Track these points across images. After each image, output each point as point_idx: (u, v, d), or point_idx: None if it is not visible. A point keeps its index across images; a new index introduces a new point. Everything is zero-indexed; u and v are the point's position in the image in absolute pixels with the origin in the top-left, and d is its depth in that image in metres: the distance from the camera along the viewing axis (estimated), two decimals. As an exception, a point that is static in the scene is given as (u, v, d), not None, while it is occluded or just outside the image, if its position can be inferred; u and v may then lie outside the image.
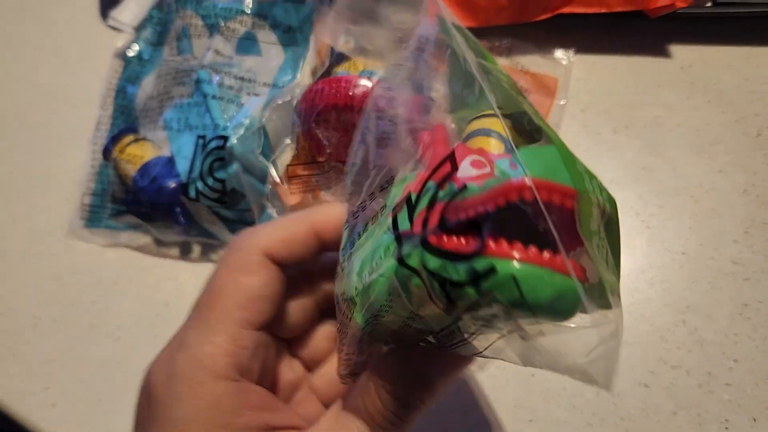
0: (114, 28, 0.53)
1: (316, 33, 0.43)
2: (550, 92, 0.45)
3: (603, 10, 0.44)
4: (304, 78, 0.45)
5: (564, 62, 0.46)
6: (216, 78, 0.43)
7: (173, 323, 0.42)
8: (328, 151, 0.41)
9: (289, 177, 0.42)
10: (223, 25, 0.45)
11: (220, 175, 0.40)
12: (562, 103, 0.45)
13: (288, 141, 0.42)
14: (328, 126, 0.40)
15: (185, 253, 0.45)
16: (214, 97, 0.42)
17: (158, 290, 0.44)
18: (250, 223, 0.42)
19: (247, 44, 0.46)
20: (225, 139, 0.41)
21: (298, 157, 0.43)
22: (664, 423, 0.35)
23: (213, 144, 0.41)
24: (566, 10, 0.45)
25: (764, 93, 0.44)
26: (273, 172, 0.41)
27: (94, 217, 0.45)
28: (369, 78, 0.40)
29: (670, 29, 0.47)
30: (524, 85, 0.45)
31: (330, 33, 0.44)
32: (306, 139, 0.42)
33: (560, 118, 0.45)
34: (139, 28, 0.51)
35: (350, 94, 0.39)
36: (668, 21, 0.45)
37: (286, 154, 0.44)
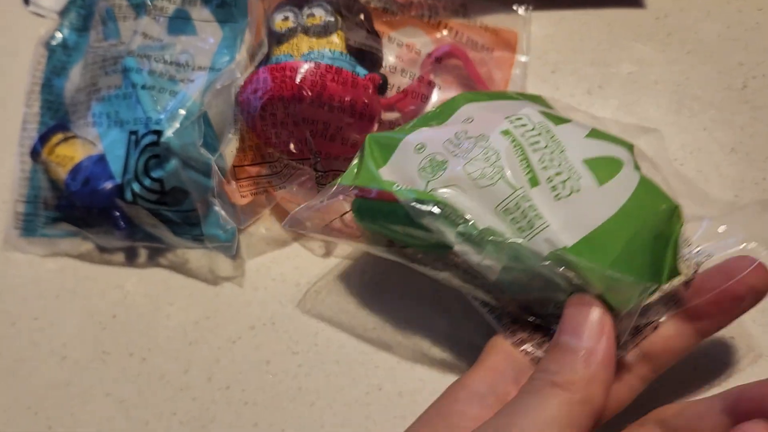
0: (38, 15, 0.49)
1: (252, 7, 0.39)
2: (511, 47, 0.42)
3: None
4: (243, 58, 0.40)
5: (521, 14, 0.42)
6: (146, 65, 0.39)
7: (122, 336, 0.39)
8: (278, 149, 0.37)
9: (237, 178, 0.38)
10: (150, 3, 0.41)
11: (156, 173, 0.37)
12: (523, 59, 0.41)
13: (231, 135, 0.38)
14: (276, 121, 0.36)
15: (131, 258, 0.41)
16: (144, 86, 0.38)
17: (104, 300, 0.40)
18: (195, 224, 0.38)
19: (180, 23, 0.42)
20: (159, 133, 0.36)
21: (245, 154, 0.39)
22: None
23: (146, 140, 0.37)
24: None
25: (748, 40, 0.40)
26: (217, 168, 0.37)
27: (29, 225, 0.42)
28: (315, 62, 0.36)
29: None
30: (484, 42, 0.41)
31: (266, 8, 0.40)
32: (253, 135, 0.38)
33: (524, 77, 0.41)
34: (62, 13, 0.46)
35: (298, 83, 0.35)
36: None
37: (232, 146, 0.40)
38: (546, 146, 0.28)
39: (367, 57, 0.38)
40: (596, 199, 0.27)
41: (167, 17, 0.41)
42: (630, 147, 0.31)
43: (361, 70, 0.37)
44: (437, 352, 0.36)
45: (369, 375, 0.36)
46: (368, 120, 0.36)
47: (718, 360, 0.33)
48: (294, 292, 0.38)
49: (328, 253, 0.39)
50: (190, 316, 0.39)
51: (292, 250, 0.40)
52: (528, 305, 0.30)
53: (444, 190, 0.28)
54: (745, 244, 0.28)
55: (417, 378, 0.35)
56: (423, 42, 0.42)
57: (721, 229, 0.29)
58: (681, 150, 0.38)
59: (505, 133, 0.29)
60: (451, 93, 0.40)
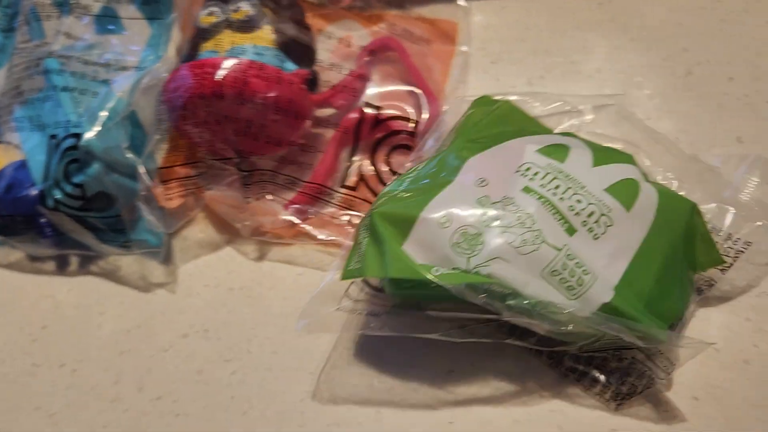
0: (-33, 15, 0.47)
1: (178, 2, 0.37)
2: (450, 39, 0.40)
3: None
4: (170, 56, 0.39)
5: (462, 3, 0.41)
6: (69, 66, 0.37)
7: (52, 347, 0.38)
8: (202, 149, 0.35)
9: (163, 180, 0.37)
10: (73, 2, 0.39)
11: (77, 179, 0.35)
12: (464, 49, 0.40)
13: (158, 136, 0.37)
14: (198, 120, 0.35)
15: (62, 267, 0.40)
16: (65, 88, 0.37)
17: (34, 311, 0.39)
18: (122, 230, 0.36)
19: (107, 22, 0.40)
20: (79, 136, 0.35)
21: (174, 155, 0.38)
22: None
23: (66, 143, 0.35)
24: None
25: (692, 25, 0.39)
26: (143, 171, 0.36)
27: (-45, 235, 0.40)
28: (238, 57, 0.34)
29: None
30: (423, 33, 0.40)
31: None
32: (177, 134, 0.36)
33: (465, 68, 0.40)
34: (-11, 13, 0.45)
35: (217, 80, 0.33)
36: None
37: (163, 147, 0.39)
38: (567, 188, 0.28)
39: (298, 52, 0.37)
40: (629, 225, 0.28)
41: (93, 16, 0.40)
42: (630, 158, 0.31)
43: (291, 66, 0.36)
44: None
45: (302, 382, 0.34)
46: (294, 116, 0.34)
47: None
48: (227, 297, 0.37)
49: (261, 257, 0.38)
50: (121, 324, 0.38)
51: (226, 253, 0.39)
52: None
53: (489, 265, 0.27)
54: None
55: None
56: (360, 35, 0.41)
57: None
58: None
59: (527, 190, 0.28)
60: (389, 86, 0.39)
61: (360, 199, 0.36)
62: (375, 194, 0.36)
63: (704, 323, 0.31)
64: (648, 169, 0.32)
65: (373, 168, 0.37)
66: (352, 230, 0.36)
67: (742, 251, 0.30)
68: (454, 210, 0.28)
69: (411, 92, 0.39)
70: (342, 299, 0.31)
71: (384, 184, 0.36)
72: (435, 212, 0.28)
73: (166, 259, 0.38)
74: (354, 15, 0.40)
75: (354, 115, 0.36)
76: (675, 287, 0.29)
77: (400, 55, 0.39)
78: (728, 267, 0.30)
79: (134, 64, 0.39)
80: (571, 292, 0.27)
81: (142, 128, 0.38)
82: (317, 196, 0.36)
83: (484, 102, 0.35)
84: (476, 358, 0.31)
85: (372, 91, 0.39)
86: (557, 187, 0.28)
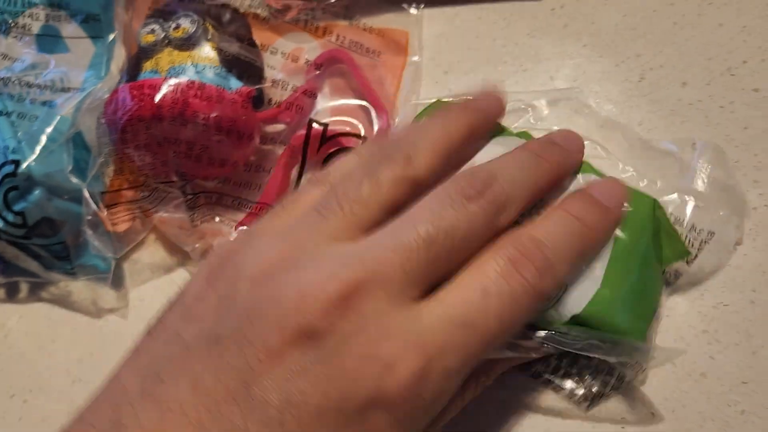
0: None
1: (119, 19, 0.36)
2: (401, 49, 0.39)
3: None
4: (113, 76, 0.38)
5: (413, 12, 0.40)
6: (7, 88, 0.36)
7: (3, 378, 0.37)
8: (144, 172, 0.35)
9: (108, 205, 0.36)
10: (11, 21, 0.38)
11: (18, 206, 0.34)
12: (415, 59, 0.39)
13: (102, 159, 0.36)
14: (139, 143, 0.34)
15: (11, 294, 0.39)
16: (2, 113, 0.36)
17: (-17, 341, 0.38)
18: (67, 257, 0.36)
19: (49, 41, 0.39)
20: (18, 162, 0.34)
21: (119, 177, 0.37)
22: None
23: (5, 170, 0.34)
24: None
25: (646, 29, 0.38)
26: (88, 195, 0.35)
27: None
28: (178, 77, 0.33)
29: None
30: (373, 45, 0.39)
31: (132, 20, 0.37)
32: (120, 157, 0.35)
33: (417, 79, 0.39)
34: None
35: (156, 102, 0.32)
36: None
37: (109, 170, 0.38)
38: None
39: (243, 68, 0.36)
40: None
41: (34, 35, 0.39)
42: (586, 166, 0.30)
43: (235, 83, 0.35)
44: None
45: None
46: (238, 136, 0.33)
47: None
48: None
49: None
50: (73, 353, 0.37)
51: (178, 275, 0.38)
52: None
53: None
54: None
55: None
56: (310, 47, 0.40)
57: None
58: (579, 148, 0.36)
59: None
60: (340, 100, 0.38)
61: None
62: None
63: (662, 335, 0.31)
64: (606, 162, 0.32)
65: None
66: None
67: (706, 242, 0.30)
68: None
69: (361, 106, 0.38)
70: None
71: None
72: None
73: (117, 284, 0.37)
74: (301, 28, 0.39)
75: (301, 132, 0.36)
76: (652, 283, 0.29)
77: (349, 67, 0.38)
78: (694, 258, 0.30)
79: (78, 85, 0.38)
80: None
81: (89, 151, 0.37)
82: (267, 216, 0.35)
83: (437, 107, 0.34)
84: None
85: (322, 105, 0.38)
86: None
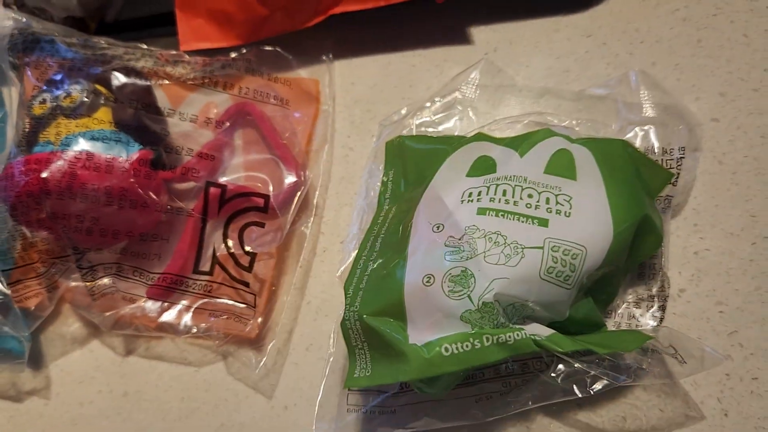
0: None
1: (10, 89, 0.36)
2: (312, 98, 0.38)
3: (381, 3, 0.37)
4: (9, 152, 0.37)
5: (324, 59, 0.39)
6: None
7: None
8: (39, 248, 0.33)
9: (13, 282, 0.35)
10: None
11: None
12: (327, 107, 0.38)
13: (5, 235, 0.35)
14: (30, 218, 0.33)
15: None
16: None
17: None
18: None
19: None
20: None
21: (26, 252, 0.35)
22: None
23: None
24: (339, 9, 0.37)
25: (577, 72, 0.36)
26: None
27: None
28: (69, 148, 0.32)
29: (468, 9, 0.39)
30: (282, 94, 0.38)
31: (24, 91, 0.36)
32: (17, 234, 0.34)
33: (332, 128, 0.38)
34: None
35: (42, 176, 0.31)
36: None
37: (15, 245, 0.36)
38: (515, 189, 0.29)
39: (143, 131, 0.35)
40: (587, 190, 0.28)
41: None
42: (547, 132, 0.31)
43: (135, 147, 0.34)
44: None
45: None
46: (131, 205, 0.32)
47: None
48: (95, 395, 0.35)
49: (130, 352, 0.35)
50: (-7, 439, 0.36)
51: (96, 347, 0.36)
52: None
53: (492, 289, 0.27)
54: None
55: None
56: (221, 100, 0.38)
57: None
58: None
59: (481, 212, 0.28)
60: (251, 155, 0.37)
61: (217, 283, 0.34)
62: (232, 277, 0.34)
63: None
64: (558, 125, 0.33)
65: (225, 249, 0.35)
66: (214, 319, 0.34)
67: (682, 157, 0.31)
68: (429, 265, 0.28)
69: (272, 159, 0.36)
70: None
71: (240, 265, 0.34)
72: (414, 278, 0.28)
73: (36, 362, 0.36)
74: (209, 84, 0.38)
75: (208, 191, 0.34)
76: (654, 218, 0.29)
77: (257, 120, 0.37)
78: (677, 178, 0.31)
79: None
80: (567, 281, 0.26)
81: (-3, 227, 0.36)
82: (173, 286, 0.34)
83: (392, 151, 0.35)
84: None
85: (234, 160, 0.37)
86: (504, 193, 0.28)
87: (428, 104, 0.36)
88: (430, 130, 0.35)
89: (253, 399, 0.33)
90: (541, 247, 0.27)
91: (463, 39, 0.38)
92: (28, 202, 0.32)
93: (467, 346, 0.26)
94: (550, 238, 0.27)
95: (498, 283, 0.26)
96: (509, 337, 0.26)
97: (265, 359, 0.33)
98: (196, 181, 0.35)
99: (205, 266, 0.34)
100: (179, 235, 0.35)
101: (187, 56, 0.38)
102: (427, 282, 0.27)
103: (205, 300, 0.34)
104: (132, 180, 0.32)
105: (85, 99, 0.34)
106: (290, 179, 0.35)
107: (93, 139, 0.33)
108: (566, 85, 0.36)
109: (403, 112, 0.36)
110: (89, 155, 0.32)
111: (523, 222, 0.28)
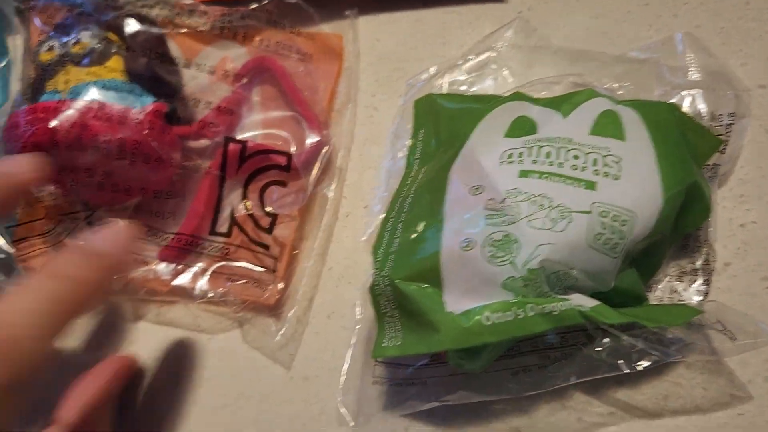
0: None
1: (15, 35, 0.33)
2: (336, 54, 0.36)
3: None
4: (13, 102, 0.35)
5: (348, 13, 0.37)
6: None
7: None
8: (46, 203, 0.31)
9: (17, 240, 0.33)
10: None
11: None
12: (352, 64, 0.36)
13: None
14: None
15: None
16: None
17: None
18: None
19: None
20: None
21: (28, 209, 0.33)
22: None
23: None
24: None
25: (617, 33, 0.34)
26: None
27: None
28: (78, 97, 0.30)
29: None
30: (304, 49, 0.36)
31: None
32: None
33: (356, 87, 0.36)
34: None
35: (50, 126, 0.29)
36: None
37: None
38: (559, 150, 0.27)
39: (156, 83, 0.33)
40: (635, 152, 0.27)
41: None
42: (591, 92, 0.29)
43: (148, 99, 0.32)
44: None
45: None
46: (145, 160, 0.30)
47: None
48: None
49: (140, 317, 0.34)
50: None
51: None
52: None
53: (537, 256, 0.25)
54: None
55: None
56: (237, 54, 0.36)
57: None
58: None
59: (524, 174, 0.27)
60: (270, 111, 0.35)
61: (235, 245, 0.32)
62: (251, 239, 0.32)
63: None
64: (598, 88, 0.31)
65: (245, 209, 0.33)
66: (231, 284, 0.32)
67: (731, 123, 0.29)
68: (467, 229, 0.26)
69: (293, 116, 0.34)
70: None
71: (259, 227, 0.32)
72: (452, 242, 0.26)
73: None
74: (225, 36, 0.36)
75: (225, 149, 0.32)
76: (703, 186, 0.27)
77: (277, 76, 0.35)
78: (725, 146, 0.29)
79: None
80: (615, 250, 0.25)
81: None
82: (188, 248, 0.32)
83: (422, 110, 0.33)
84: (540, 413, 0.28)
85: (252, 117, 0.35)
86: (548, 155, 0.27)
87: (460, 63, 0.34)
88: (462, 89, 0.33)
89: (271, 369, 0.31)
90: (589, 212, 0.25)
91: (495, -4, 0.36)
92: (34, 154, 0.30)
93: (509, 315, 0.24)
94: (599, 203, 0.25)
95: (544, 249, 0.25)
96: (554, 307, 0.24)
97: (285, 328, 0.31)
98: (213, 137, 0.33)
99: (223, 227, 0.32)
100: (195, 193, 0.32)
101: (203, 6, 0.35)
102: (466, 247, 0.26)
103: (222, 263, 0.32)
104: (146, 132, 0.30)
105: (96, 46, 0.32)
106: (313, 138, 0.33)
107: (104, 88, 0.31)
108: (605, 47, 0.34)
109: (433, 70, 0.34)
110: (101, 105, 0.30)
111: (569, 184, 0.26)
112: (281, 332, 0.31)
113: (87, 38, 0.32)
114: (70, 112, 0.29)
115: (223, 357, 0.32)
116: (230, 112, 0.33)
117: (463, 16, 0.36)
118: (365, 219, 0.33)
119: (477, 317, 0.24)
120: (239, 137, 0.34)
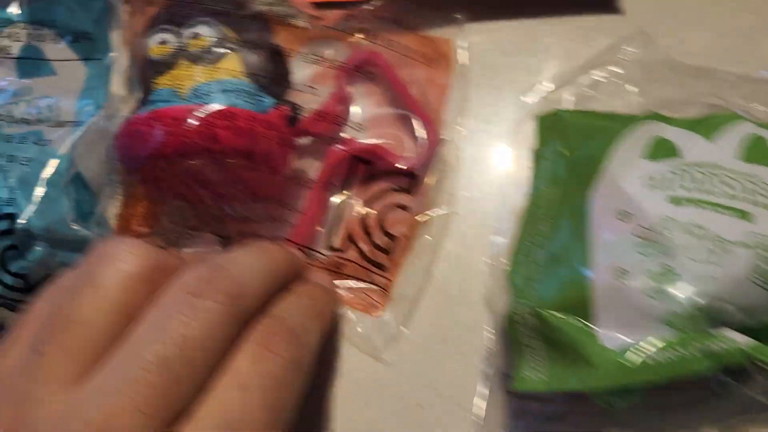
0: None
1: (123, 33, 0.31)
2: (444, 60, 0.34)
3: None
4: (115, 101, 0.33)
5: (459, 18, 0.35)
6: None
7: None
8: (170, 218, 0.30)
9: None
10: (-17, 44, 0.33)
11: (17, 267, 0.29)
12: (458, 73, 0.35)
13: (109, 198, 0.31)
14: (160, 182, 0.29)
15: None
16: (-15, 158, 0.30)
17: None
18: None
19: (32, 65, 0.34)
20: (13, 216, 0.29)
21: (129, 213, 0.32)
22: None
23: (-1, 227, 0.29)
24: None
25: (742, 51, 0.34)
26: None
27: None
28: (202, 100, 0.28)
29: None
30: (411, 48, 0.34)
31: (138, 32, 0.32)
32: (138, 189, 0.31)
33: (467, 96, 0.34)
34: None
35: (184, 136, 0.27)
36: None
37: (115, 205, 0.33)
38: (709, 177, 0.26)
39: (273, 81, 0.31)
40: None
41: (14, 58, 0.33)
42: (734, 116, 0.29)
43: (267, 100, 0.30)
44: None
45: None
46: (270, 171, 0.29)
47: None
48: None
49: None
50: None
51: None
52: None
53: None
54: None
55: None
56: (337, 50, 0.34)
57: None
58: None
59: (675, 201, 0.26)
60: (376, 109, 0.34)
61: (349, 261, 0.31)
62: (364, 256, 0.31)
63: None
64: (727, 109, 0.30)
65: (360, 223, 0.32)
66: (345, 296, 0.31)
67: None
68: (620, 258, 0.25)
69: (402, 116, 0.33)
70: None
71: (377, 247, 0.31)
72: (604, 273, 0.25)
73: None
74: (333, 33, 0.34)
75: (335, 152, 0.31)
76: None
77: (385, 72, 0.33)
78: None
79: (71, 116, 0.33)
80: None
81: (90, 190, 0.33)
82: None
83: (547, 126, 0.31)
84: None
85: (356, 116, 0.34)
86: (698, 181, 0.26)
87: (579, 77, 0.33)
88: (587, 105, 0.32)
89: (380, 394, 0.30)
90: (748, 245, 0.25)
91: (614, 8, 0.35)
92: (159, 165, 0.28)
93: (673, 353, 0.24)
94: (758, 234, 0.25)
95: (708, 284, 0.24)
96: (718, 346, 0.24)
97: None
98: (325, 129, 0.31)
99: (335, 240, 0.31)
100: (303, 200, 0.31)
101: (315, 11, 0.34)
102: (620, 277, 0.25)
103: (334, 277, 0.31)
104: (276, 142, 0.28)
105: (216, 41, 0.30)
106: (428, 139, 0.32)
107: (228, 91, 0.29)
108: (730, 65, 0.33)
109: (549, 84, 0.33)
110: (232, 113, 0.28)
111: (723, 213, 0.25)
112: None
113: (206, 32, 0.30)
114: (198, 120, 0.28)
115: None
116: (344, 101, 0.32)
117: (575, 27, 0.35)
118: (481, 239, 0.32)
119: (636, 354, 0.24)
120: (348, 137, 0.32)
